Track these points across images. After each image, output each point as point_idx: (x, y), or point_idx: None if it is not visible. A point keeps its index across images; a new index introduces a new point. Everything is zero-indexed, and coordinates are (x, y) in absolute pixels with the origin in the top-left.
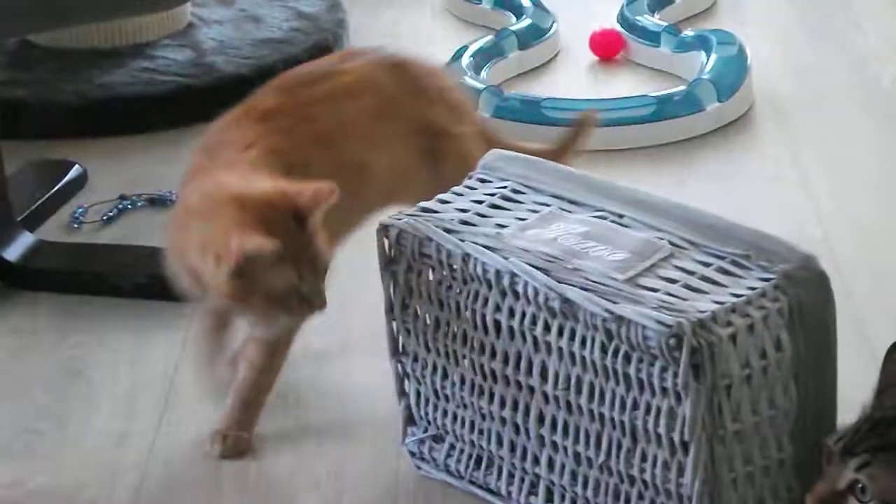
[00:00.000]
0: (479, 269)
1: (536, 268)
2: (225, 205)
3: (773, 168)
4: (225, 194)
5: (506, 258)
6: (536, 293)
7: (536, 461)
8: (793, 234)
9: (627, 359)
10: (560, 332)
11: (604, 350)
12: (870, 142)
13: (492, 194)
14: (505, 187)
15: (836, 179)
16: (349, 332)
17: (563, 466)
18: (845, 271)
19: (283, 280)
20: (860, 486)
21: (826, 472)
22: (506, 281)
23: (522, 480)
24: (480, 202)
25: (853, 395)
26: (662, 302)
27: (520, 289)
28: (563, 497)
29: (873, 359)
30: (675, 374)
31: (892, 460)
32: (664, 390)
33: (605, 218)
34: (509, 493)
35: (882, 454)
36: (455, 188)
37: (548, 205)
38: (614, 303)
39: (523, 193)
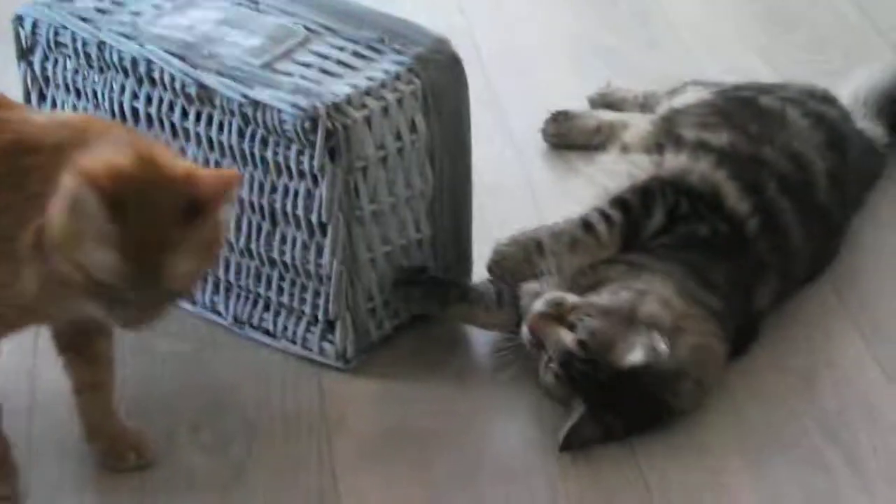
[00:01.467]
0: (115, 57)
1: (172, 54)
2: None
3: None
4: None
5: (141, 45)
6: (173, 80)
7: None
8: (438, 24)
9: (265, 143)
10: (197, 118)
11: (241, 135)
12: None
13: None
14: None
15: None
16: None
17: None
18: (486, 59)
19: (104, 263)
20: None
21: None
22: (142, 68)
23: None
24: None
25: (491, 178)
26: (298, 86)
27: (156, 76)
28: (210, 280)
29: (512, 142)
30: (312, 157)
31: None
32: (301, 173)
33: (241, 4)
34: None
35: None
36: None
37: None
38: (250, 87)
39: None
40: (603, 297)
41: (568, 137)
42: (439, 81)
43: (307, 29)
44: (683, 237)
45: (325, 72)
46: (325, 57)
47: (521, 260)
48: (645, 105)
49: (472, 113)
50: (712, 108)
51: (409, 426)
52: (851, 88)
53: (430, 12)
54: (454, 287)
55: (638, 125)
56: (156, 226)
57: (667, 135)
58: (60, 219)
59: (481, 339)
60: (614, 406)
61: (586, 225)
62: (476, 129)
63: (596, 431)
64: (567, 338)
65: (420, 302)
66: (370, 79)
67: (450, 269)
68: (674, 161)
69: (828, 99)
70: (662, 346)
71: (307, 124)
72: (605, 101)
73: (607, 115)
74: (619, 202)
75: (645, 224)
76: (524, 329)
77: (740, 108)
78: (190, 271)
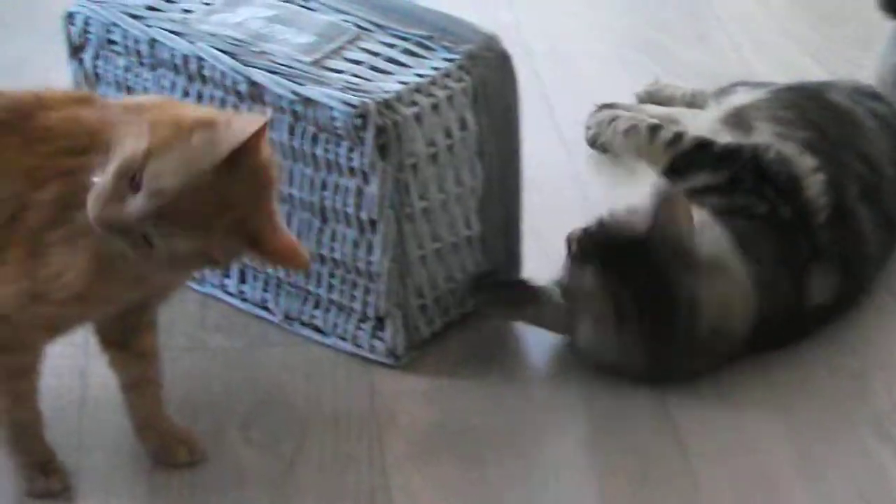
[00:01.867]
0: (166, 55)
1: (223, 51)
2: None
3: None
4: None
5: (192, 42)
6: (223, 77)
7: None
8: (486, 20)
9: (315, 140)
10: None
11: (291, 132)
12: None
13: None
14: None
15: None
16: None
17: None
18: (535, 54)
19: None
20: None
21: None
22: (193, 65)
23: None
24: None
25: (540, 174)
26: (348, 83)
27: (207, 73)
28: (256, 278)
29: (561, 139)
30: (362, 154)
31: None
32: (352, 170)
33: (291, 1)
34: (202, 275)
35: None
36: None
37: None
38: (301, 84)
39: None
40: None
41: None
42: (489, 78)
43: (357, 26)
44: (739, 207)
45: (375, 69)
46: (376, 54)
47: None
48: (692, 104)
49: (521, 109)
50: (783, 104)
51: (460, 424)
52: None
53: (478, 8)
54: (527, 290)
55: (702, 116)
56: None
57: (740, 125)
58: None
59: (532, 337)
60: (624, 276)
61: (654, 128)
62: (524, 125)
63: (608, 306)
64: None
65: (495, 306)
66: (420, 76)
67: (499, 266)
68: (757, 137)
69: (877, 96)
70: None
71: (358, 121)
72: (652, 99)
73: (654, 109)
74: (700, 139)
75: (696, 171)
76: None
77: (812, 105)
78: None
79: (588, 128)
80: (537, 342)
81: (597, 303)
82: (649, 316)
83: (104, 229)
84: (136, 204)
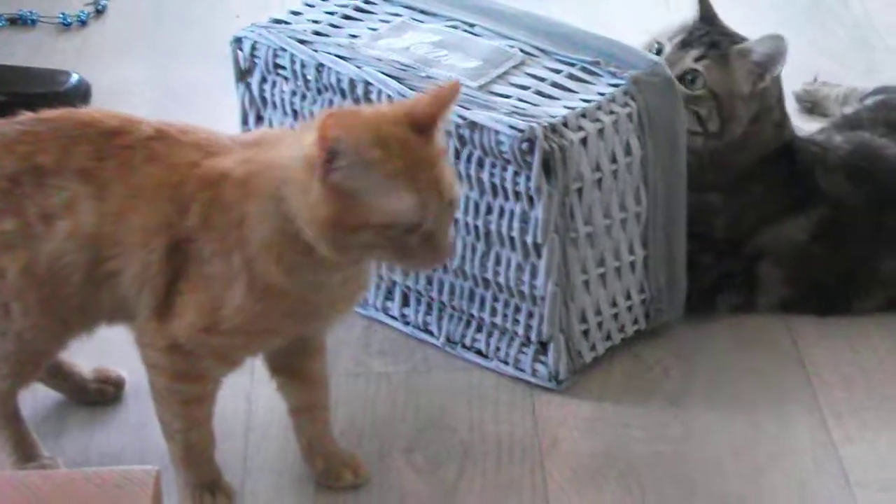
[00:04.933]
0: (333, 79)
1: (390, 76)
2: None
3: None
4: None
5: (359, 67)
6: (390, 101)
7: (391, 268)
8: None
9: (481, 164)
10: None
11: (457, 156)
12: None
13: (344, 5)
14: None
15: None
16: None
17: (418, 273)
18: None
19: (400, 203)
20: (691, 77)
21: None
22: (360, 90)
23: (378, 287)
24: (333, 13)
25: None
26: (514, 108)
27: (374, 97)
28: (419, 301)
29: None
30: (528, 178)
31: (721, 58)
32: (517, 194)
33: (456, 27)
34: (366, 299)
35: (713, 51)
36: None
37: (399, 15)
38: (467, 109)
39: (375, 4)
40: None
41: None
42: (654, 104)
43: (523, 51)
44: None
45: (541, 94)
46: (541, 79)
47: None
48: (846, 104)
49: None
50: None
51: (622, 450)
52: None
53: (641, 34)
54: None
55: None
56: (411, 150)
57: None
58: (324, 193)
59: (696, 363)
60: None
61: None
62: None
63: None
64: None
65: None
66: (586, 101)
67: (661, 293)
68: None
69: None
70: None
71: (524, 145)
72: (810, 98)
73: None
74: None
75: None
76: None
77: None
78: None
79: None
80: (701, 368)
81: None
82: None
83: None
84: None
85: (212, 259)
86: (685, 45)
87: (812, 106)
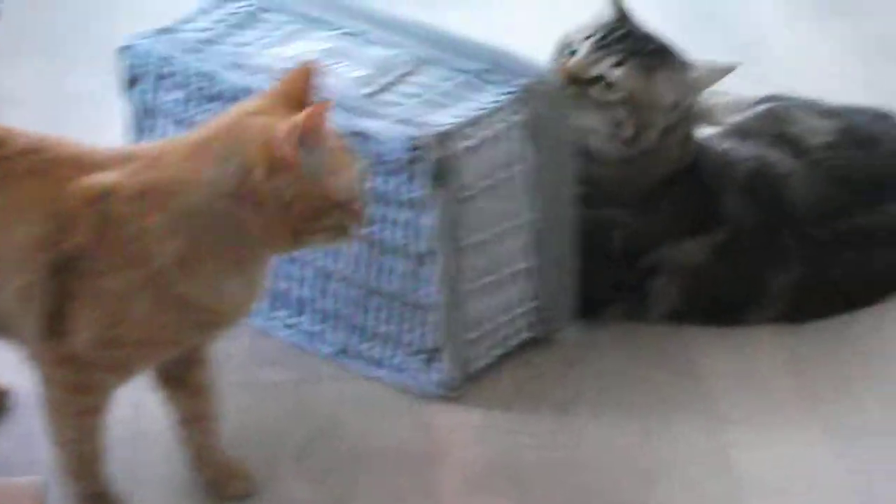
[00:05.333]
0: (222, 88)
1: None
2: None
3: None
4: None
5: (247, 76)
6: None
7: (282, 277)
8: (542, 56)
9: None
10: None
11: None
12: None
13: (235, 13)
14: (251, 5)
15: (586, 4)
16: None
17: (309, 281)
18: None
19: (349, 177)
20: (607, 82)
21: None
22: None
23: (268, 296)
24: (223, 21)
25: None
26: (402, 116)
27: None
28: (312, 310)
29: None
30: (416, 187)
31: (644, 67)
32: (405, 202)
33: (347, 35)
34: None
35: (634, 58)
36: (200, 5)
37: (291, 23)
38: (355, 118)
39: (267, 12)
40: None
41: None
42: (544, 112)
43: (413, 60)
44: None
45: (430, 102)
46: (431, 88)
47: None
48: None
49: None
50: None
51: (513, 458)
52: None
53: (533, 43)
54: None
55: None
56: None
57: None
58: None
59: (587, 371)
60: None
61: None
62: None
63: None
64: None
65: None
66: (475, 109)
67: (552, 301)
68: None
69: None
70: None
71: (412, 154)
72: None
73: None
74: None
75: None
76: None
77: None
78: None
79: None
80: (592, 375)
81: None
82: None
83: None
84: None
85: (108, 274)
86: (601, 47)
87: (699, 115)
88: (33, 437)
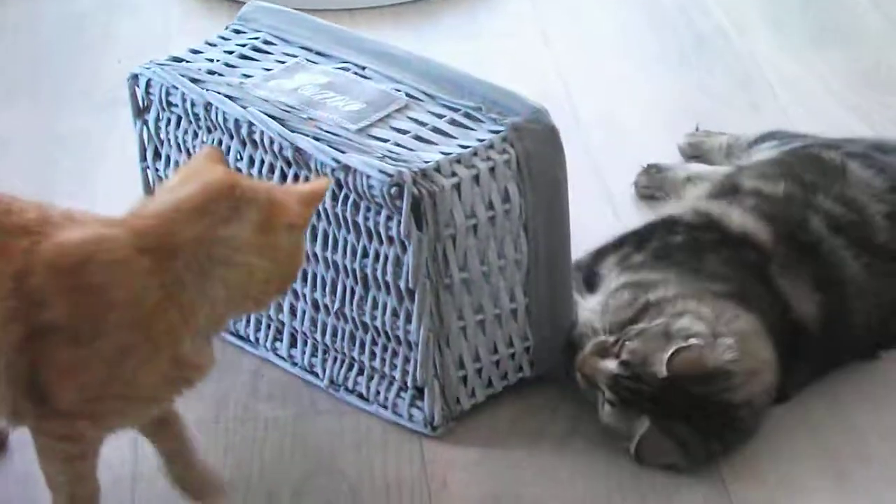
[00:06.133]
0: (220, 118)
1: (272, 117)
2: None
3: (516, 25)
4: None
5: (244, 107)
6: (272, 142)
7: (280, 309)
8: (535, 91)
9: (356, 207)
10: (295, 181)
11: (334, 199)
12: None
13: (243, 45)
14: (257, 38)
15: (577, 37)
16: None
17: (304, 313)
18: (584, 124)
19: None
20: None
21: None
22: (244, 130)
23: (269, 327)
24: (231, 52)
25: (594, 240)
26: (389, 152)
27: (257, 137)
28: (305, 342)
29: (611, 206)
30: (399, 223)
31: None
32: (390, 239)
33: (348, 69)
34: (257, 339)
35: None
36: (209, 39)
37: (295, 56)
38: (343, 152)
39: (274, 45)
40: (640, 324)
41: (660, 189)
42: (535, 151)
43: (409, 95)
44: (659, 249)
45: (419, 138)
46: (423, 123)
47: None
48: (730, 154)
49: (570, 177)
50: (774, 161)
51: (510, 493)
52: None
53: (527, 77)
54: None
55: (699, 187)
56: None
57: (726, 191)
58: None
59: (583, 404)
60: (675, 414)
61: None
62: (573, 193)
63: (669, 443)
64: (611, 364)
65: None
66: (463, 146)
67: (545, 341)
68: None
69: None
70: (693, 342)
71: (393, 190)
72: (694, 151)
73: (697, 168)
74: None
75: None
76: (577, 375)
77: (798, 159)
78: None
79: (635, 184)
80: (588, 411)
81: (652, 435)
82: (713, 438)
83: None
84: None
85: (93, 342)
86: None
87: (698, 158)
88: (33, 476)
